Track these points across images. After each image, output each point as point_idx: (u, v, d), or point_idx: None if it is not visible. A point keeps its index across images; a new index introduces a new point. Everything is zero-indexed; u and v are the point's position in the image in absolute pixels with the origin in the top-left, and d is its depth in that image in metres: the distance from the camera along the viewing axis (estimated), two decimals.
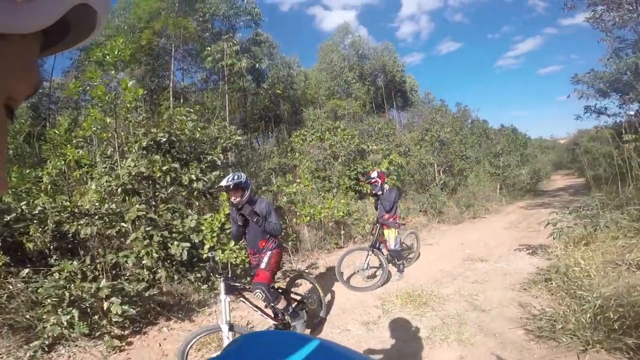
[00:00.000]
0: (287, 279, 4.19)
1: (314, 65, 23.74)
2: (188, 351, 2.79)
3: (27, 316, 3.42)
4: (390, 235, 5.12)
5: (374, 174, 5.28)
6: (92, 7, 0.28)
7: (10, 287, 3.43)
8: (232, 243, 4.87)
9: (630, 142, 6.22)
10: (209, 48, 10.72)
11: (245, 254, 4.85)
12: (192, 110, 6.34)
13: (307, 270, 5.87)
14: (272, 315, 3.39)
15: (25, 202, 4.18)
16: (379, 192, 5.21)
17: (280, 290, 3.49)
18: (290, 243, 6.30)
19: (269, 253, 3.37)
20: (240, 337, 0.43)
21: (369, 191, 6.82)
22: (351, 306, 4.31)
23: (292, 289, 3.84)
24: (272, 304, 3.25)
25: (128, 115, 5.42)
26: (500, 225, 9.45)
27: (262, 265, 3.31)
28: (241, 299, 3.18)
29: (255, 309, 3.29)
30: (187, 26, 9.98)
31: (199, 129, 5.98)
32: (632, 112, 11.09)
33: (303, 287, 4.50)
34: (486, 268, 5.47)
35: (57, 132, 6.39)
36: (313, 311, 3.84)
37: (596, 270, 3.64)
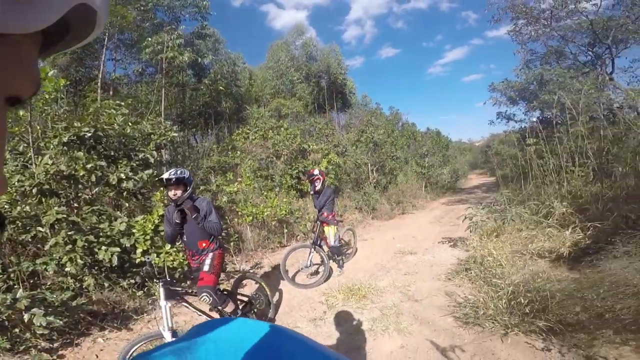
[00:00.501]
0: (232, 280, 4.12)
1: (262, 63, 23.39)
2: (132, 354, 2.63)
3: None
4: (329, 232, 5.28)
5: (316, 172, 5.38)
6: (92, 7, 0.28)
7: None
8: (168, 246, 4.62)
9: (532, 146, 7.30)
10: (149, 39, 9.88)
11: (182, 256, 4.65)
12: (122, 103, 5.83)
13: (252, 270, 5.81)
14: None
15: None
16: (317, 188, 5.31)
17: (226, 293, 3.43)
18: (232, 244, 6.16)
19: (210, 255, 3.28)
20: (193, 327, 0.45)
21: (308, 189, 6.99)
22: (298, 303, 4.39)
23: (239, 290, 3.80)
24: (219, 308, 3.19)
25: (46, 108, 4.80)
26: (426, 220, 10.24)
27: (205, 268, 3.22)
28: (183, 303, 3.07)
29: (199, 313, 3.18)
30: (125, 14, 9.03)
31: (130, 124, 5.53)
32: (534, 119, 12.76)
33: (249, 287, 4.48)
34: (415, 260, 5.88)
35: None
36: (262, 311, 3.84)
37: (506, 259, 4.24)
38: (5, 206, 3.83)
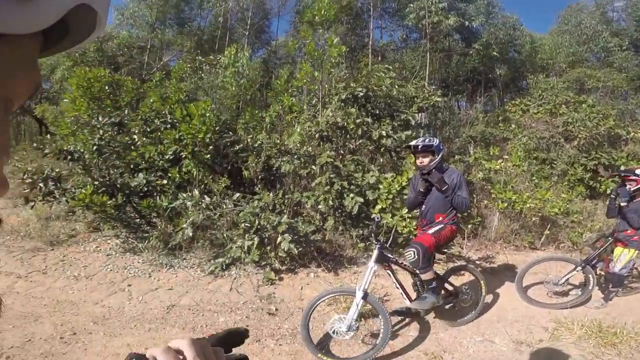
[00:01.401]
0: (450, 265, 3.83)
1: (551, 27, 18.67)
2: (318, 304, 2.93)
3: (225, 235, 4.30)
4: (623, 255, 3.92)
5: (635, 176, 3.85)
6: (92, 7, 0.28)
7: (224, 207, 4.40)
8: (405, 210, 4.59)
9: None
10: (411, 5, 10.03)
11: (415, 225, 4.51)
12: (390, 67, 6.20)
13: (478, 262, 5.04)
14: (411, 297, 3.14)
15: (250, 136, 5.26)
16: (625, 200, 3.85)
17: (436, 273, 3.15)
18: (470, 226, 5.41)
19: (442, 225, 3.13)
20: None
21: (611, 191, 4.83)
22: (513, 317, 3.63)
23: (452, 278, 3.48)
24: (419, 271, 3.01)
25: (332, 70, 5.84)
26: None
27: (430, 231, 3.11)
28: (388, 271, 3.08)
29: (397, 285, 3.11)
30: None
31: (396, 87, 5.80)
32: None
33: (465, 278, 3.90)
34: None
35: (278, 82, 7.52)
36: (463, 308, 3.44)
37: None
38: (297, 145, 4.98)
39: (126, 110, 6.00)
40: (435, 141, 3.17)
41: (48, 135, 7.48)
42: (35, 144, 5.20)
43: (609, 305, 4.04)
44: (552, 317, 3.71)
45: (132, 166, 5.14)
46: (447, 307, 3.35)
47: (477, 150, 6.79)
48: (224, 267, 4.16)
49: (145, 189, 4.90)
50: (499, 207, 5.58)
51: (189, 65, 8.95)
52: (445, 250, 3.63)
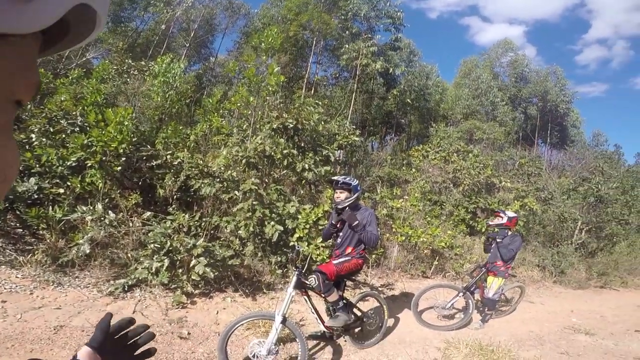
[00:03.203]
0: (358, 294, 4.16)
1: (455, 78, 21.94)
2: (237, 327, 2.97)
3: (129, 255, 4.04)
4: (494, 283, 4.79)
5: (505, 216, 4.87)
6: (92, 7, 0.28)
7: (131, 225, 4.14)
8: (320, 239, 4.92)
9: None
10: (347, 46, 11.06)
11: (327, 253, 4.87)
12: (319, 102, 6.60)
13: (380, 288, 5.63)
14: (324, 321, 3.39)
15: (170, 152, 5.00)
16: (499, 239, 4.82)
17: (340, 294, 3.43)
18: (374, 256, 6.05)
19: (349, 258, 3.40)
20: None
21: (483, 230, 5.98)
22: (411, 339, 4.07)
23: (359, 304, 3.81)
24: (323, 295, 3.25)
25: (267, 97, 5.97)
26: (633, 302, 7.74)
27: (335, 261, 3.37)
28: (305, 296, 3.28)
29: (312, 310, 3.34)
30: (329, 22, 10.55)
31: (322, 122, 6.19)
32: None
33: (370, 304, 4.31)
34: (587, 342, 4.84)
35: (210, 101, 7.43)
36: (369, 332, 3.80)
37: None
38: (222, 168, 4.95)
39: (28, 105, 5.18)
40: (355, 181, 3.45)
41: None
42: None
43: (486, 326, 4.80)
44: (443, 338, 4.18)
45: (21, 168, 4.45)
46: (356, 330, 3.65)
47: (383, 190, 7.60)
48: (125, 289, 3.85)
49: (35, 196, 4.30)
50: (398, 239, 6.34)
51: (115, 67, 8.17)
52: (353, 278, 4.02)
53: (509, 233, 4.84)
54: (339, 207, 3.36)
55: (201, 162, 4.93)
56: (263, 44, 5.52)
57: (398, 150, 13.36)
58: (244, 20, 17.61)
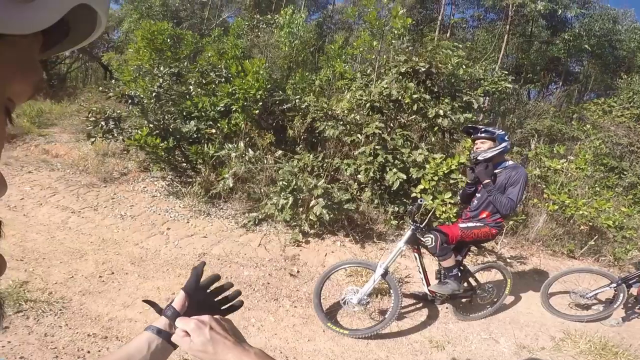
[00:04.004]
0: (480, 264, 3.61)
1: None
2: (336, 271, 2.92)
3: (262, 190, 4.32)
4: None
5: None
6: (92, 7, 0.28)
7: (265, 162, 4.41)
8: (448, 194, 4.33)
9: None
10: None
11: (455, 212, 4.22)
12: (460, 46, 5.71)
13: (509, 260, 4.71)
14: (429, 284, 3.00)
15: (298, 97, 5.26)
16: None
17: (458, 260, 2.95)
18: (511, 223, 4.99)
19: (481, 224, 2.85)
20: None
21: None
22: (525, 322, 3.46)
23: (479, 273, 3.29)
24: (437, 258, 2.86)
25: (393, 42, 5.53)
26: None
27: (462, 225, 2.88)
28: (416, 253, 2.95)
29: (420, 270, 2.99)
30: None
31: (463, 67, 5.36)
32: None
33: (492, 276, 3.63)
34: None
35: (332, 47, 7.45)
36: (478, 305, 3.35)
37: None
38: (345, 111, 4.82)
39: (185, 62, 6.23)
40: (501, 132, 2.85)
41: (112, 80, 8.03)
42: (100, 88, 5.60)
43: (625, 325, 3.75)
44: (564, 327, 3.50)
45: (185, 114, 5.35)
46: (463, 300, 3.20)
47: (540, 146, 6.16)
48: (256, 222, 4.22)
49: (195, 135, 5.09)
50: (549, 208, 5.07)
51: (246, 23, 9.07)
52: (481, 245, 3.37)
53: None
54: (478, 158, 2.80)
55: (325, 105, 4.92)
56: None
57: (565, 101, 10.77)
58: None
